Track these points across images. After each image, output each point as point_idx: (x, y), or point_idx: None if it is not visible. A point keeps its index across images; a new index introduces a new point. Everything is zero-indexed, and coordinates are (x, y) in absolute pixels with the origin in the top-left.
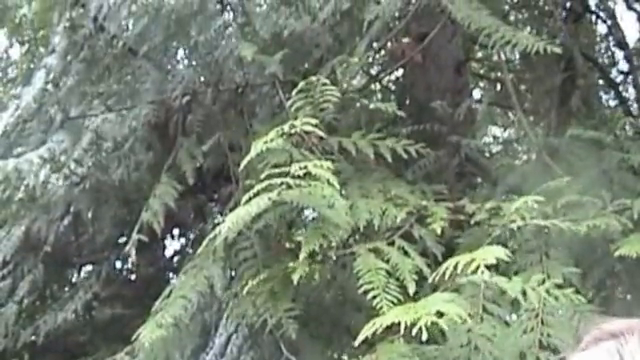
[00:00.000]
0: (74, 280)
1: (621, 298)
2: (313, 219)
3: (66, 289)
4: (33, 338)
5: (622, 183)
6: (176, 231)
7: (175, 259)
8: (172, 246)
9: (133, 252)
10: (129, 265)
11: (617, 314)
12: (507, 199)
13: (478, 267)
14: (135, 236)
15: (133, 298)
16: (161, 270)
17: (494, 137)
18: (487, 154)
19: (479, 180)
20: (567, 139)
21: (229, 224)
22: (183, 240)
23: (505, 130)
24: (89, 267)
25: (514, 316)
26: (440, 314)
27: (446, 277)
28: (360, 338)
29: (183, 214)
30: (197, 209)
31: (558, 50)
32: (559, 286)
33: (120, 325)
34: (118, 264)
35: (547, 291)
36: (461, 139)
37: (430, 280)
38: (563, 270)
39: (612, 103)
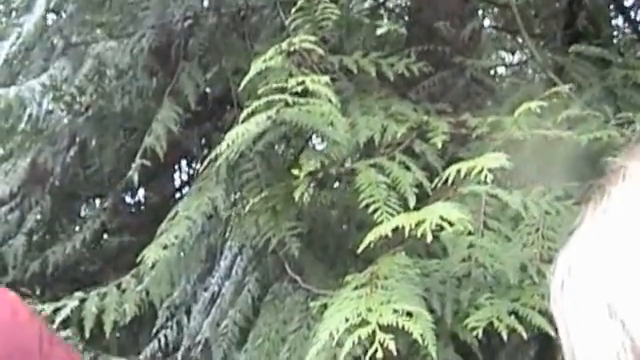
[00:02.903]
0: (82, 213)
1: None
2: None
3: (75, 222)
4: (42, 269)
5: (626, 99)
6: (183, 160)
7: (183, 188)
8: (180, 176)
9: (136, 178)
10: (137, 196)
11: None
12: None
13: (481, 172)
14: (138, 161)
15: (141, 228)
16: (169, 199)
17: (502, 60)
18: (497, 79)
19: (485, 100)
20: (572, 57)
21: (228, 142)
22: (190, 169)
23: (513, 54)
24: (97, 199)
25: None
26: (444, 220)
27: (448, 184)
28: (362, 246)
29: (189, 143)
30: (203, 137)
31: None
32: (560, 198)
33: (129, 254)
34: (126, 195)
35: (548, 204)
36: (466, 60)
37: (432, 187)
38: (564, 184)
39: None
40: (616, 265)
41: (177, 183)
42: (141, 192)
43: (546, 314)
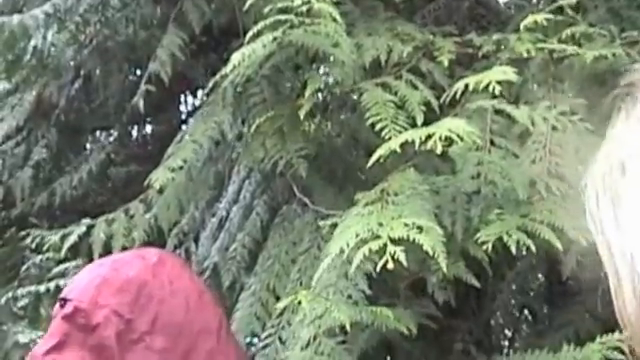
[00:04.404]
0: (88, 146)
1: None
2: None
3: (80, 155)
4: (50, 202)
5: (631, 20)
6: (189, 92)
7: (189, 120)
8: (186, 108)
9: (141, 104)
10: (143, 129)
11: None
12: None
13: (488, 85)
14: (143, 87)
15: (148, 159)
16: (176, 131)
17: None
18: (501, 4)
19: (490, 23)
20: None
21: (234, 63)
22: (196, 100)
23: None
24: (103, 132)
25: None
26: (453, 132)
27: (457, 96)
28: (372, 161)
29: (195, 74)
30: (208, 68)
31: None
32: (566, 114)
33: (136, 185)
34: (131, 128)
35: (555, 119)
36: None
37: (439, 105)
38: (570, 101)
39: None
40: None
41: (183, 116)
42: (147, 126)
43: (555, 229)
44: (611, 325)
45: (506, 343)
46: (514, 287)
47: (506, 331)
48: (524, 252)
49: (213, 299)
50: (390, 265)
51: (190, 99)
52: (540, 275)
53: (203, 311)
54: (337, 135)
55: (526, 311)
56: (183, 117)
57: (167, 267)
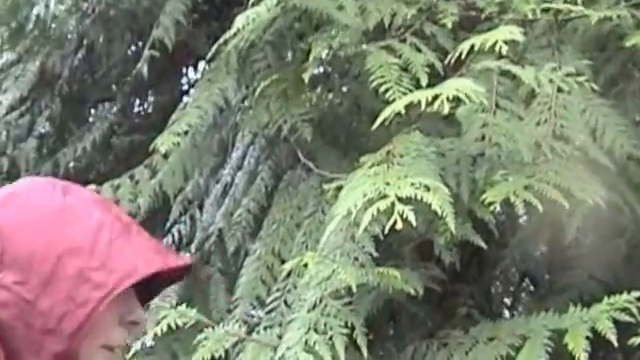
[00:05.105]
0: (91, 118)
1: (633, 95)
2: None
3: (84, 126)
4: (54, 173)
5: None
6: (191, 63)
7: (191, 90)
8: (188, 79)
9: (145, 69)
10: (145, 99)
11: (628, 110)
12: None
13: (494, 45)
14: (147, 52)
15: (150, 128)
16: (178, 100)
17: None
18: None
19: None
20: None
21: (238, 26)
22: (198, 72)
23: None
24: (105, 103)
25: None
26: (460, 92)
27: (461, 59)
28: (377, 123)
29: (197, 43)
30: (211, 37)
31: None
32: (571, 75)
33: (140, 155)
34: (134, 98)
35: (561, 80)
36: None
37: (444, 66)
38: (575, 63)
39: None
40: None
41: (185, 87)
42: (149, 97)
43: (561, 189)
44: (615, 288)
45: (506, 312)
46: (516, 255)
47: (505, 299)
48: (528, 218)
49: (89, 210)
50: (399, 225)
51: (192, 71)
52: (542, 245)
53: (66, 229)
54: (339, 104)
55: (527, 279)
56: (185, 88)
57: (18, 195)
